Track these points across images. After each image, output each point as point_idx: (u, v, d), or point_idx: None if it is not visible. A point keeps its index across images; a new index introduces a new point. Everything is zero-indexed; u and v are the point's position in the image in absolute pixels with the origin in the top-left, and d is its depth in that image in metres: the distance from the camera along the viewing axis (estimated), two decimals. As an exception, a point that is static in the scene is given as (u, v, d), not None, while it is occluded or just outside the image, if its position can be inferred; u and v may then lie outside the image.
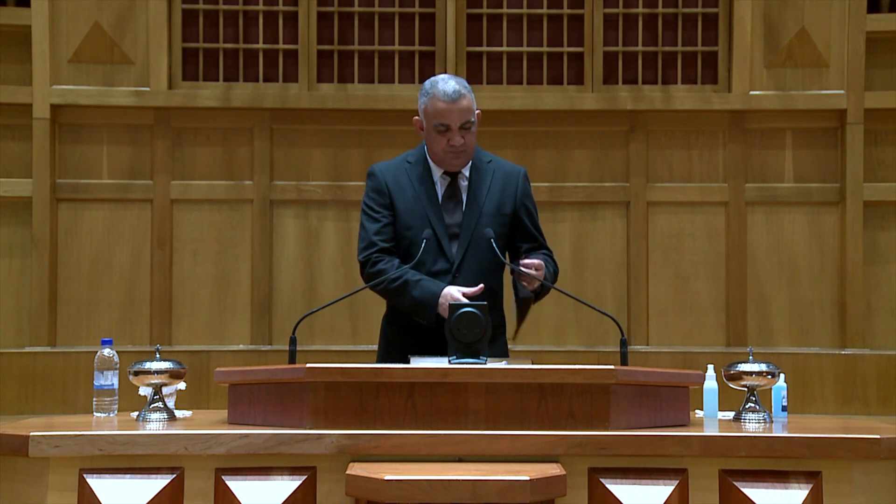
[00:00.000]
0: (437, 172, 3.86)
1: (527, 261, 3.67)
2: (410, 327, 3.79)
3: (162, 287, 6.05)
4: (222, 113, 6.10)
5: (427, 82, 3.82)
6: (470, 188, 3.85)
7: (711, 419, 3.50)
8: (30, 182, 5.99)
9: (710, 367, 3.59)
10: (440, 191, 3.85)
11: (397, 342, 3.84)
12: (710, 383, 3.54)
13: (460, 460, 3.00)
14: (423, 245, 3.64)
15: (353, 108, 6.09)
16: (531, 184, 4.03)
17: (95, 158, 6.08)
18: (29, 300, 5.98)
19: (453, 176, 3.86)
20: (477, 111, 3.82)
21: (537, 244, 3.93)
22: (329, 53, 6.17)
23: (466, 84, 3.81)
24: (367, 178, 3.93)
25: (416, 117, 3.85)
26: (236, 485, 3.00)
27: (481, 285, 3.66)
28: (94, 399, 3.46)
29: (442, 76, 3.83)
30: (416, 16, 6.17)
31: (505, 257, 3.80)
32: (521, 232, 3.92)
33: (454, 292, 3.63)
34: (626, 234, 6.16)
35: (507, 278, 3.95)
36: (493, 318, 3.34)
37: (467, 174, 3.86)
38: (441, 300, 3.65)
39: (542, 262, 3.67)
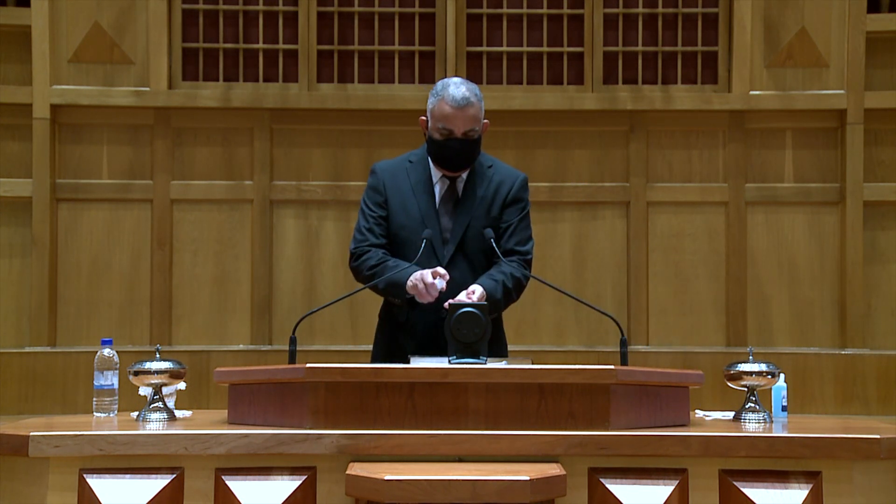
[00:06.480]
0: (436, 174, 3.86)
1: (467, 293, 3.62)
2: (405, 323, 3.78)
3: (162, 287, 6.04)
4: (222, 113, 6.10)
5: (439, 83, 3.80)
6: (465, 191, 3.84)
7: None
8: (30, 182, 5.99)
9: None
10: (438, 193, 3.85)
11: (392, 337, 3.83)
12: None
13: (460, 460, 3.00)
14: (423, 245, 3.65)
15: (353, 108, 6.09)
16: (534, 184, 4.00)
17: (95, 158, 6.08)
18: (29, 300, 5.98)
19: (452, 179, 3.85)
20: (485, 121, 3.81)
21: (509, 251, 3.81)
22: (329, 53, 6.17)
23: (478, 92, 3.78)
24: (369, 174, 3.94)
25: (423, 117, 3.84)
26: (236, 485, 3.00)
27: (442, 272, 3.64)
28: (94, 399, 3.46)
29: (454, 79, 3.79)
30: (416, 16, 6.17)
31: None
32: (500, 231, 3.83)
33: (423, 273, 3.61)
34: (626, 234, 6.15)
35: None
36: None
37: (465, 178, 3.85)
38: (409, 281, 3.64)
39: (482, 295, 3.62)
